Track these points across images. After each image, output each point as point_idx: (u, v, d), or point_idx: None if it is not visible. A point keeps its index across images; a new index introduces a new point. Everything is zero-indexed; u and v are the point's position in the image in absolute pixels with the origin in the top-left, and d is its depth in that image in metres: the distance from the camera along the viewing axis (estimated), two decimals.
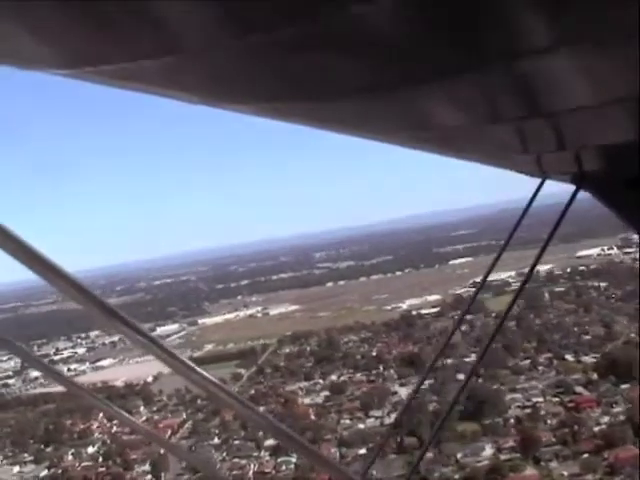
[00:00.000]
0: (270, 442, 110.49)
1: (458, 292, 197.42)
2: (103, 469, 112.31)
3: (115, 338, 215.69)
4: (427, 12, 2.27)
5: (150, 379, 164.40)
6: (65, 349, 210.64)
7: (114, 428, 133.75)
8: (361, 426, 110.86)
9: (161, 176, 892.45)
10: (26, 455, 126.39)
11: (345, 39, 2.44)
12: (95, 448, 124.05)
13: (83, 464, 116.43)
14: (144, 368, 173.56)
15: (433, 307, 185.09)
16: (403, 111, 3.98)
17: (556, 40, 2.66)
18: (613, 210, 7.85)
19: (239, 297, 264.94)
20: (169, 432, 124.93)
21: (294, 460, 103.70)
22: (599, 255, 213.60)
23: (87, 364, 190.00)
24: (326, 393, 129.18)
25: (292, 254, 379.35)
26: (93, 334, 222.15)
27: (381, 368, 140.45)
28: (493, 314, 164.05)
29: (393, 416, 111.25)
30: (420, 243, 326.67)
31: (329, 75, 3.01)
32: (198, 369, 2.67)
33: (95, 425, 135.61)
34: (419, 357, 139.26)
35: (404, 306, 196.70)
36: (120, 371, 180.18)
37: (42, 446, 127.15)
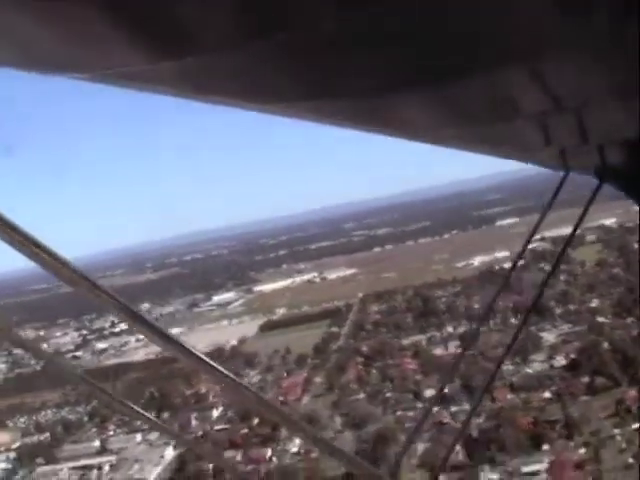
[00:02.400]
0: (430, 392, 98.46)
1: (530, 247, 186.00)
2: (246, 431, 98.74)
3: (171, 308, 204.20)
4: (446, 10, 2.23)
5: (234, 342, 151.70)
6: (120, 322, 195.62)
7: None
8: (529, 370, 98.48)
9: (164, 158, 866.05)
10: (139, 423, 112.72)
11: (365, 38, 2.40)
12: (220, 411, 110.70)
13: (217, 427, 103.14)
14: (219, 335, 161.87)
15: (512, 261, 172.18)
16: (424, 108, 3.89)
17: (577, 35, 2.67)
18: (637, 202, 7.41)
19: (284, 266, 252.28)
20: (300, 391, 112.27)
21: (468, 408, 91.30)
22: None
23: None
24: (456, 343, 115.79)
25: (319, 226, 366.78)
26: (145, 306, 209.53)
27: (498, 318, 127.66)
28: (588, 263, 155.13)
29: (559, 359, 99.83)
30: (453, 209, 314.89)
31: (350, 74, 2.94)
32: (197, 352, 2.64)
33: (203, 389, 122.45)
34: (543, 304, 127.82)
35: (475, 263, 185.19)
36: (194, 338, 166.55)
37: (155, 413, 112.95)
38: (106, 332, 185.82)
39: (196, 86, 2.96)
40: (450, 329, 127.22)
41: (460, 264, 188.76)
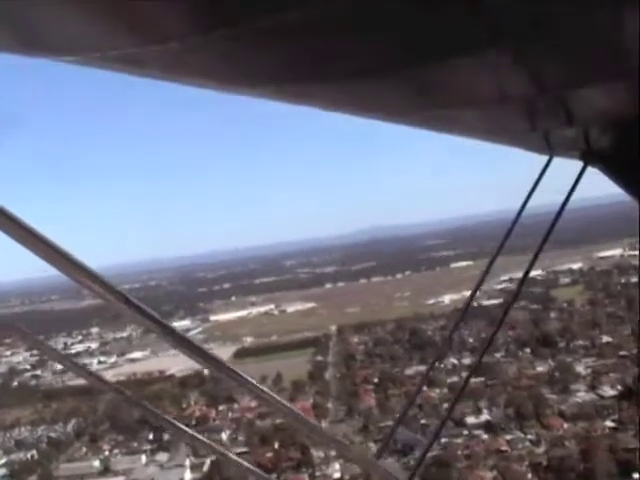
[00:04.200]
0: (472, 420, 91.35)
1: (498, 288, 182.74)
2: (270, 455, 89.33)
3: (124, 334, 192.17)
4: None
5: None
6: (73, 344, 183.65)
7: (230, 414, 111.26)
8: (577, 400, 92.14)
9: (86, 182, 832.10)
10: (136, 444, 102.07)
11: (353, 21, 2.40)
12: (229, 434, 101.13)
13: (235, 451, 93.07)
14: (190, 360, 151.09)
15: (490, 299, 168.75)
16: (411, 91, 3.91)
17: (560, 18, 2.62)
18: (622, 186, 7.12)
19: (233, 298, 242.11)
20: (313, 416, 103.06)
21: (529, 437, 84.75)
22: (622, 256, 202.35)
23: (115, 357, 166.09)
24: (465, 374, 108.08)
25: (258, 262, 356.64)
26: (94, 330, 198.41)
27: (503, 351, 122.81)
28: (577, 302, 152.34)
29: (605, 389, 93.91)
30: (395, 251, 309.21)
31: (339, 57, 2.92)
32: (222, 360, 2.72)
33: (197, 412, 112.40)
34: (549, 338, 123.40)
35: (446, 300, 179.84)
36: (164, 362, 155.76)
37: (151, 434, 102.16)
38: (62, 353, 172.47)
39: (183, 69, 2.88)
40: (454, 360, 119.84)
41: (430, 301, 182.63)
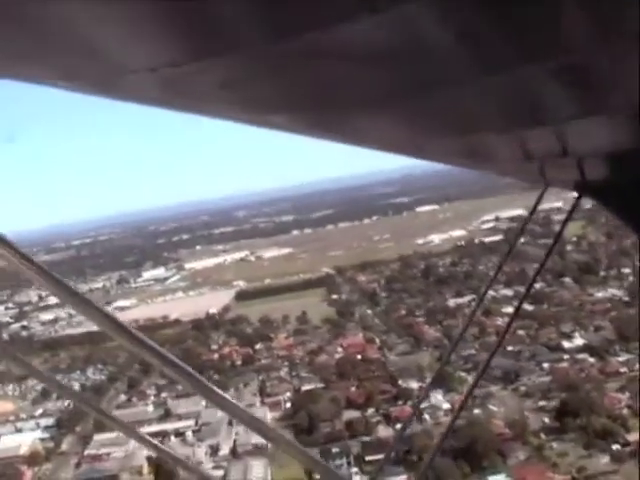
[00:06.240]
0: (569, 344, 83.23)
1: (484, 227, 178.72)
2: (354, 389, 79.68)
3: (98, 284, 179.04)
4: (429, 24, 2.18)
5: (214, 310, 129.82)
6: (47, 296, 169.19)
7: (275, 352, 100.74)
8: None
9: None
10: (180, 387, 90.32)
11: (354, 50, 2.35)
12: (286, 371, 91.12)
13: (305, 387, 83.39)
14: (189, 304, 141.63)
15: (486, 236, 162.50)
16: (405, 121, 3.82)
17: (558, 50, 2.62)
18: (616, 216, 7.07)
19: (197, 247, 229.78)
20: (375, 349, 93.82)
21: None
22: None
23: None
24: (516, 303, 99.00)
25: (208, 214, 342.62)
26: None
27: (540, 281, 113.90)
28: (590, 236, 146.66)
29: None
30: (348, 199, 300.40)
31: (336, 87, 2.88)
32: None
33: (235, 353, 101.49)
34: (588, 267, 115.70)
35: (436, 240, 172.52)
36: (162, 308, 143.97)
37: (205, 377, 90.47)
38: (41, 304, 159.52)
39: (182, 95, 2.80)
40: (492, 292, 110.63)
41: (419, 241, 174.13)
